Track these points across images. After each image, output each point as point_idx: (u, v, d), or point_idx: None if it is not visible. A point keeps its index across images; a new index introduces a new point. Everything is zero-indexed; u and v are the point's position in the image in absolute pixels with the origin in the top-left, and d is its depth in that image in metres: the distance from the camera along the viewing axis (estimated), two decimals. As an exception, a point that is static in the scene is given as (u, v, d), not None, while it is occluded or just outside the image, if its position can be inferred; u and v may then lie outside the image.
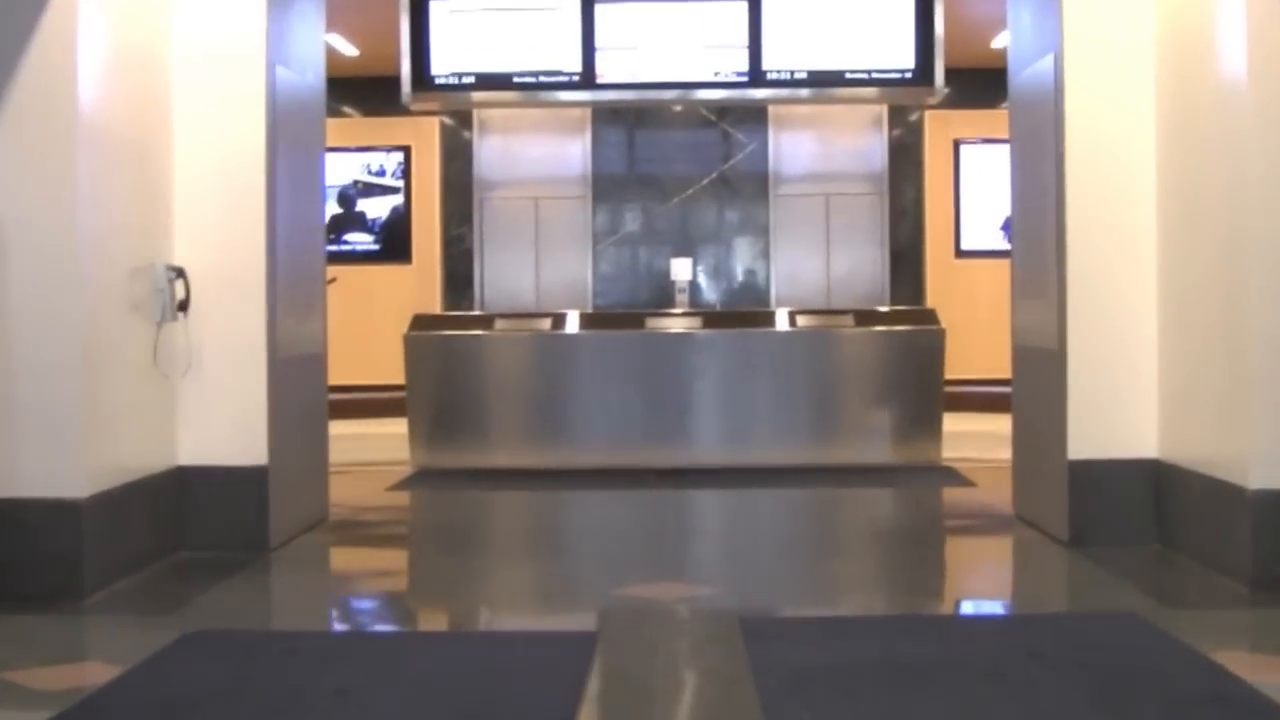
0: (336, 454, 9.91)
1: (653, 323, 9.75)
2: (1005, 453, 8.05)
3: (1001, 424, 10.37)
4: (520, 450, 9.41)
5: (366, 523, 7.52)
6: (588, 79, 9.82)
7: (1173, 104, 6.08)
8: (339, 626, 5.28)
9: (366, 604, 5.86)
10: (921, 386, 9.40)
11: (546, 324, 9.73)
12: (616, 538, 7.25)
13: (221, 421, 6.30)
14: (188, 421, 6.29)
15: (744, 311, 12.36)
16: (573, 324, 9.67)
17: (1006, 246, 13.41)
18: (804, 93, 9.95)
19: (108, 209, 5.62)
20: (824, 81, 9.85)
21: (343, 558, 6.86)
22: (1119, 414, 6.27)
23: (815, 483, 8.67)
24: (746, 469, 9.07)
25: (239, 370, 6.30)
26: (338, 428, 10.62)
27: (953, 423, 9.47)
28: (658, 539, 7.12)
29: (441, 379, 9.63)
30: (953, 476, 8.83)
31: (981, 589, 6.17)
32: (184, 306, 6.13)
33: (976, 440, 9.97)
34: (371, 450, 10.23)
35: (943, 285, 13.61)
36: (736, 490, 8.45)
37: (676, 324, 9.76)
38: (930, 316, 9.63)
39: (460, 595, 5.82)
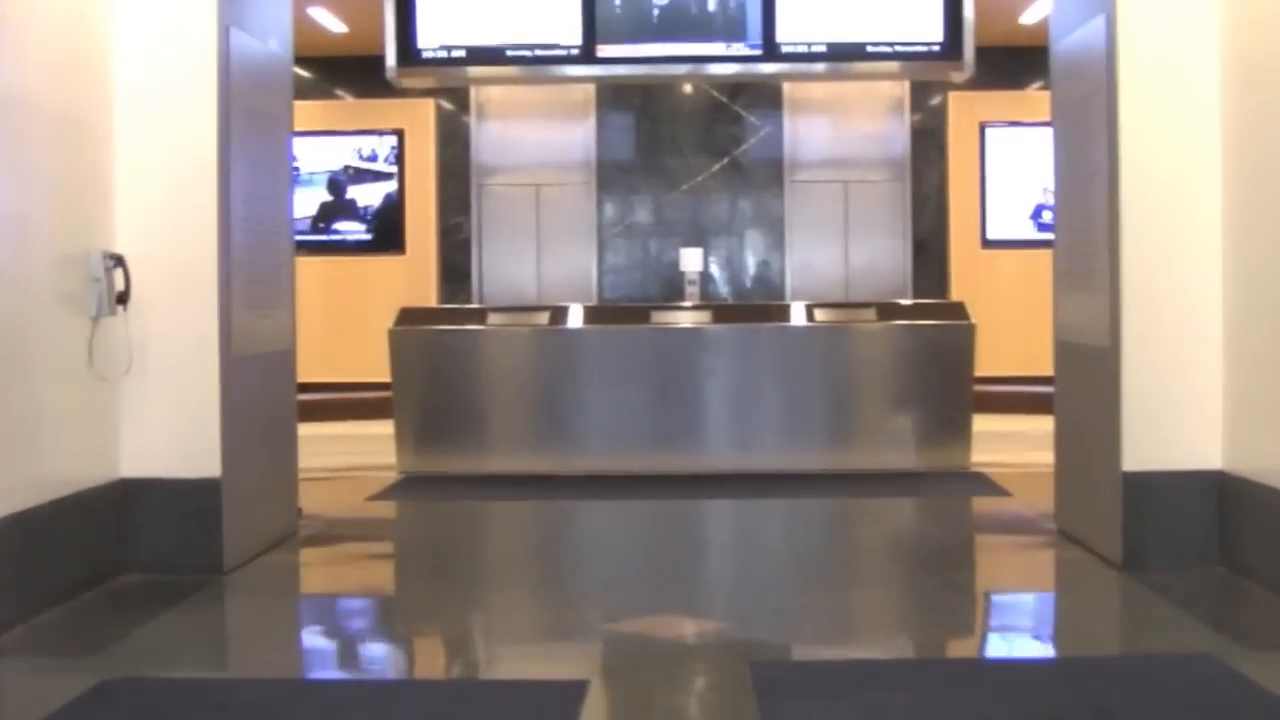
0: (320, 458, 9.42)
1: (660, 317, 9.12)
2: (1038, 456, 7.51)
3: (1033, 425, 9.81)
4: (514, 455, 8.79)
5: (338, 538, 6.85)
6: (588, 53, 9.13)
7: (1242, 69, 5.38)
8: (285, 672, 4.60)
9: (322, 643, 5.20)
10: (950, 386, 8.76)
11: (544, 318, 9.07)
12: (615, 558, 6.58)
13: (168, 428, 5.65)
14: (131, 428, 5.64)
15: (757, 305, 11.75)
16: (575, 318, 9.04)
17: (1036, 235, 13.20)
18: (820, 67, 9.22)
19: (27, 189, 4.96)
20: (843, 55, 9.14)
21: (304, 582, 6.18)
22: (1179, 420, 5.58)
23: (834, 491, 8.01)
24: (759, 475, 8.43)
25: (188, 370, 5.65)
26: (324, 429, 10.17)
27: (980, 424, 8.81)
28: (660, 560, 6.43)
29: (430, 378, 9.02)
30: (984, 484, 8.16)
31: (1028, 623, 5.48)
32: (124, 299, 5.47)
33: (1006, 443, 9.33)
34: (359, 454, 9.62)
35: (968, 277, 12.96)
36: (748, 500, 7.79)
37: (686, 318, 9.14)
38: (959, 310, 8.96)
39: (433, 632, 5.17)
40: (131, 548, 5.62)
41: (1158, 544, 5.55)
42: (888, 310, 9.17)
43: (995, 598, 5.84)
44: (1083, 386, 6.06)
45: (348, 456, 9.77)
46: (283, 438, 6.58)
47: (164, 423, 5.65)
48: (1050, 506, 6.65)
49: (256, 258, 6.13)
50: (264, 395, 6.27)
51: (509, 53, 9.18)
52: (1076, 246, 6.14)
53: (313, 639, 5.24)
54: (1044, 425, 9.60)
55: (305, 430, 10.19)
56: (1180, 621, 4.94)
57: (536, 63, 9.16)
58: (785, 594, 5.59)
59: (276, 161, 6.50)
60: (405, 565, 6.69)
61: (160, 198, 5.64)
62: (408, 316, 9.11)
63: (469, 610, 5.39)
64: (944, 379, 8.76)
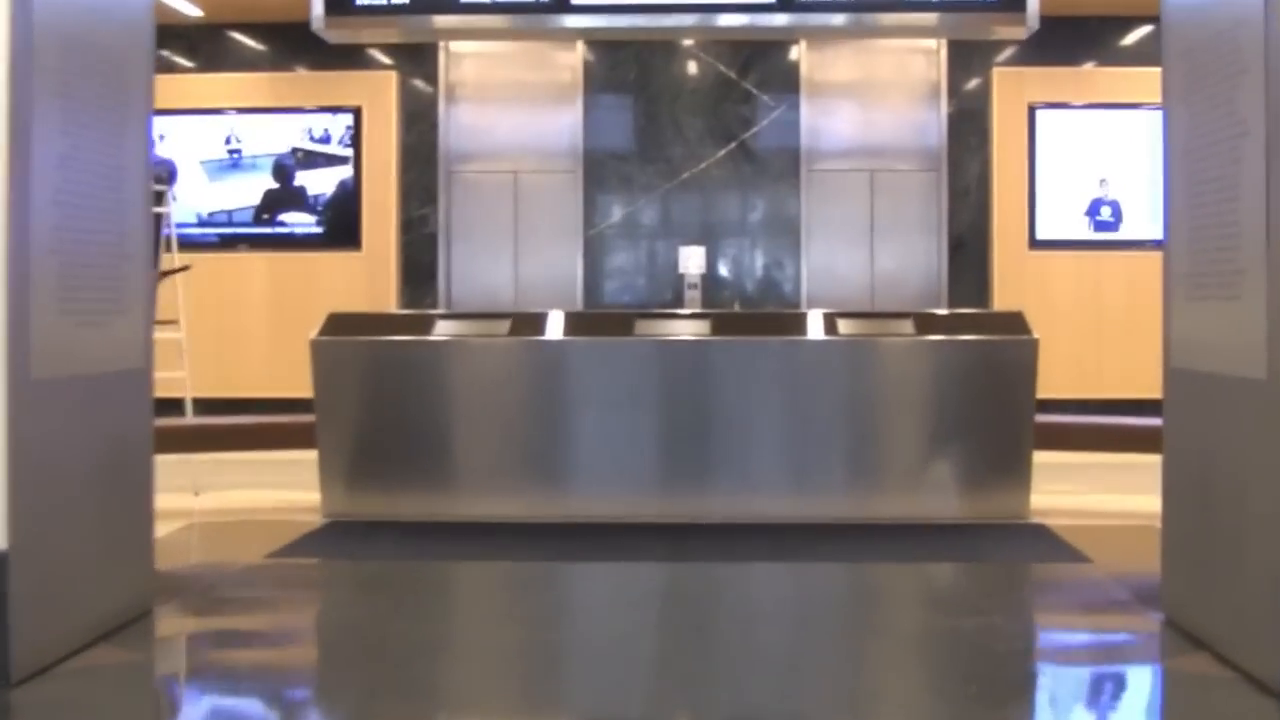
0: (237, 495, 8.13)
1: (651, 327, 7.59)
2: (1105, 501, 6.57)
3: (1092, 460, 8.25)
4: (465, 496, 7.30)
5: (205, 622, 5.26)
6: (562, 1, 7.54)
7: None
8: None
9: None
10: (1005, 415, 7.25)
11: (505, 326, 7.49)
12: (579, 662, 4.92)
13: (-72, 482, 4.07)
14: (-123, 481, 4.06)
15: (768, 314, 10.30)
16: (554, 327, 7.49)
17: (1092, 236, 11.79)
18: (841, 19, 7.60)
19: None
20: (872, 5, 7.51)
21: (128, 703, 4.48)
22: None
23: (857, 549, 6.46)
24: (767, 526, 6.87)
25: (-43, 401, 4.07)
26: (255, 457, 8.62)
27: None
28: (636, 667, 4.76)
29: (363, 400, 7.52)
30: (1050, 543, 6.61)
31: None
32: None
33: (1062, 482, 7.93)
34: (290, 488, 8.11)
35: (1013, 283, 11.51)
36: (752, 566, 6.19)
37: (683, 329, 7.61)
38: (1016, 322, 7.39)
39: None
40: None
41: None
42: (927, 322, 7.58)
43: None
44: (1217, 432, 4.46)
45: (275, 492, 8.36)
46: (127, 486, 5.02)
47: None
48: (1145, 578, 5.19)
49: (79, 250, 4.56)
50: (92, 431, 4.70)
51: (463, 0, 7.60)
52: (1204, 244, 4.54)
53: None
54: (1107, 462, 8.23)
55: (231, 459, 8.80)
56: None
57: (497, 11, 7.56)
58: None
59: (119, 136, 4.93)
60: (296, 672, 4.96)
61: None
62: (336, 324, 7.59)
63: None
64: (997, 406, 7.25)
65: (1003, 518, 7.14)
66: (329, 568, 6.36)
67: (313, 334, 7.46)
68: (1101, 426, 7.46)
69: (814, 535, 6.79)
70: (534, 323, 7.58)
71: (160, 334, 8.93)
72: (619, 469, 7.29)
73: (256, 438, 8.17)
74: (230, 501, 8.22)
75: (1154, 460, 4.98)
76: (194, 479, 8.53)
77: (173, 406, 11.63)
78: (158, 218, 8.87)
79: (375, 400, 7.44)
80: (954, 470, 7.24)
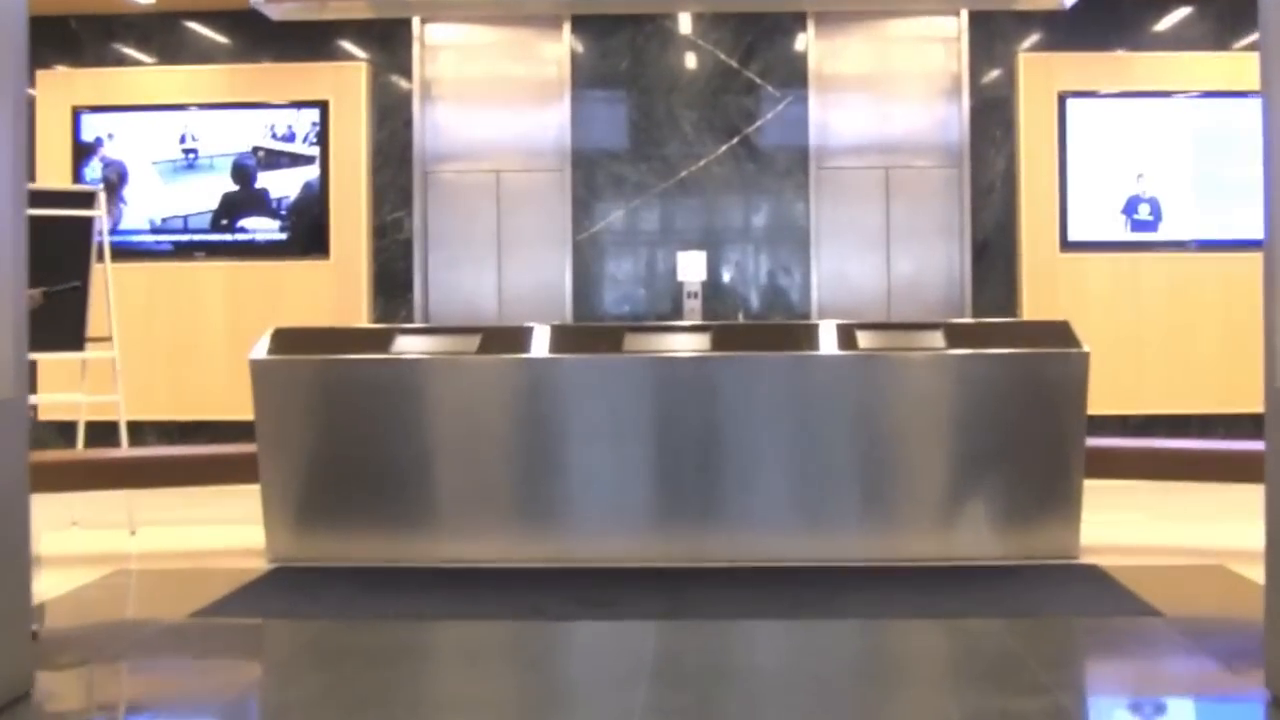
0: (172, 537, 7.46)
1: (644, 341, 6.75)
2: (1162, 533, 6.29)
3: (1141, 485, 7.44)
4: (428, 538, 6.52)
5: (96, 702, 4.37)
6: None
7: None
8: None
9: None
10: (1051, 439, 6.43)
11: (474, 342, 6.62)
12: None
13: None
14: None
15: (775, 325, 9.41)
16: (534, 343, 6.62)
17: (1130, 236, 10.77)
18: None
19: None
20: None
21: None
22: None
23: (885, 600, 5.61)
24: (777, 571, 6.01)
25: None
26: (206, 493, 7.69)
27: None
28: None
29: (313, 426, 6.71)
30: (1108, 588, 5.79)
31: None
32: None
33: (1109, 511, 7.23)
34: (240, 523, 7.29)
35: (1044, 288, 10.59)
36: (759, 626, 5.30)
37: (681, 343, 6.74)
38: (1062, 333, 6.57)
39: None
40: None
41: None
42: (959, 333, 6.72)
43: None
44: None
45: (223, 529, 7.55)
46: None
47: None
48: (1229, 637, 4.62)
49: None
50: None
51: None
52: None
53: None
54: (1151, 484, 7.42)
55: (175, 495, 7.91)
56: None
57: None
58: None
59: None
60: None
61: None
62: (282, 340, 6.73)
63: None
64: (1042, 429, 6.43)
65: (1049, 557, 6.37)
66: (263, 630, 5.48)
67: (254, 352, 6.59)
68: (1159, 451, 6.57)
69: (831, 582, 5.93)
70: (508, 338, 6.73)
71: (92, 353, 8.08)
72: (606, 505, 6.51)
73: (196, 472, 7.28)
74: (170, 542, 7.46)
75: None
76: (131, 514, 7.67)
77: (135, 430, 10.92)
78: (87, 224, 8.01)
79: (326, 428, 6.60)
80: (992, 503, 6.41)
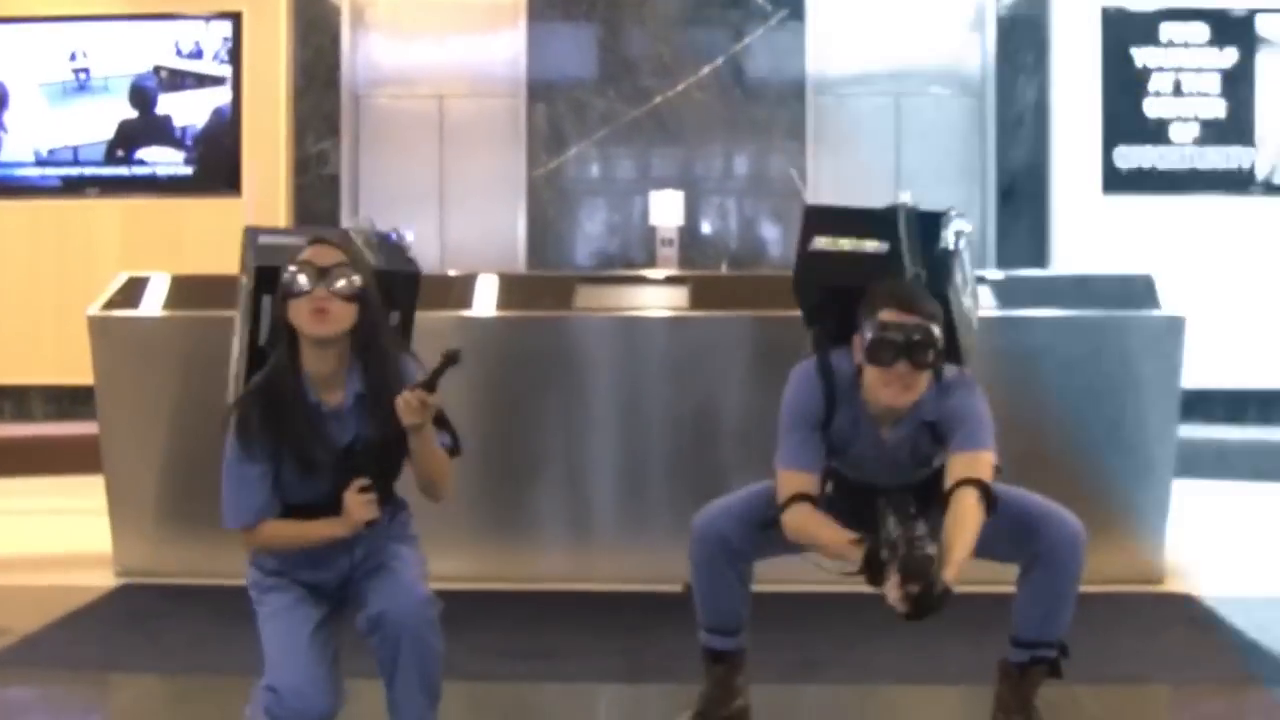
0: (9, 538, 6.35)
1: (605, 296, 5.77)
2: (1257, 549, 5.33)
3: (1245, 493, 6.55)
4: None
5: None
6: None
7: None
8: None
9: None
10: (1129, 429, 5.25)
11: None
12: None
13: None
14: None
15: (763, 276, 8.37)
16: (484, 298, 5.57)
17: (1201, 164, 9.85)
18: None
19: None
20: None
21: None
22: None
23: (914, 646, 4.16)
24: (772, 596, 4.63)
25: None
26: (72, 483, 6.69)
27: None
28: None
29: (171, 404, 5.41)
30: (1214, 633, 4.53)
31: None
32: None
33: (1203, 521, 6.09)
34: (100, 514, 5.88)
35: (1083, 236, 9.93)
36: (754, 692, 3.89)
37: (651, 298, 5.79)
38: (1142, 290, 5.35)
39: None
40: None
41: None
42: (1004, 290, 5.52)
43: None
44: None
45: (78, 522, 6.33)
46: None
47: None
48: None
49: None
50: None
51: None
52: None
53: None
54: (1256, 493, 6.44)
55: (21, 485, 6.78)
56: None
57: None
58: None
59: None
60: None
61: None
62: (131, 292, 5.64)
63: None
64: (1115, 417, 5.25)
65: (1125, 581, 5.12)
66: (75, 688, 4.09)
67: (93, 306, 5.43)
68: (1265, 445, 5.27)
69: (844, 616, 4.48)
70: (439, 289, 5.47)
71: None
72: (549, 505, 5.43)
73: (44, 458, 6.01)
74: (3, 544, 6.20)
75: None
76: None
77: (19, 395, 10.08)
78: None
79: (189, 405, 5.36)
80: (1048, 509, 5.16)
